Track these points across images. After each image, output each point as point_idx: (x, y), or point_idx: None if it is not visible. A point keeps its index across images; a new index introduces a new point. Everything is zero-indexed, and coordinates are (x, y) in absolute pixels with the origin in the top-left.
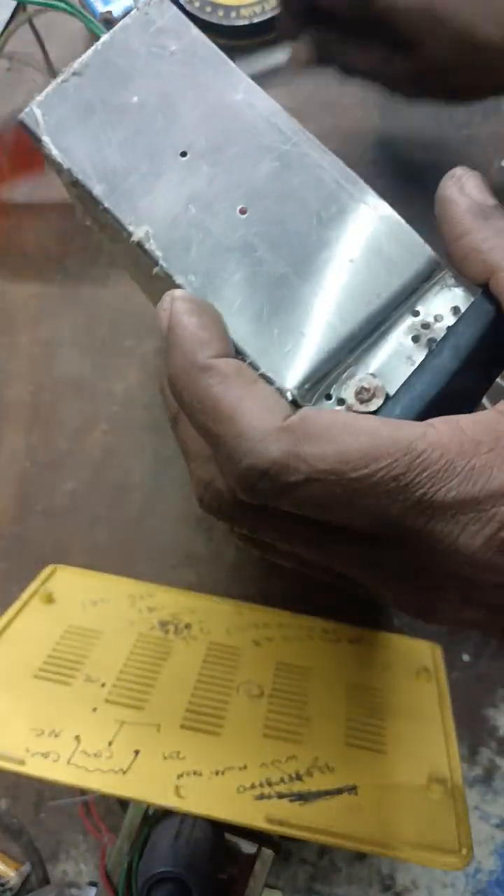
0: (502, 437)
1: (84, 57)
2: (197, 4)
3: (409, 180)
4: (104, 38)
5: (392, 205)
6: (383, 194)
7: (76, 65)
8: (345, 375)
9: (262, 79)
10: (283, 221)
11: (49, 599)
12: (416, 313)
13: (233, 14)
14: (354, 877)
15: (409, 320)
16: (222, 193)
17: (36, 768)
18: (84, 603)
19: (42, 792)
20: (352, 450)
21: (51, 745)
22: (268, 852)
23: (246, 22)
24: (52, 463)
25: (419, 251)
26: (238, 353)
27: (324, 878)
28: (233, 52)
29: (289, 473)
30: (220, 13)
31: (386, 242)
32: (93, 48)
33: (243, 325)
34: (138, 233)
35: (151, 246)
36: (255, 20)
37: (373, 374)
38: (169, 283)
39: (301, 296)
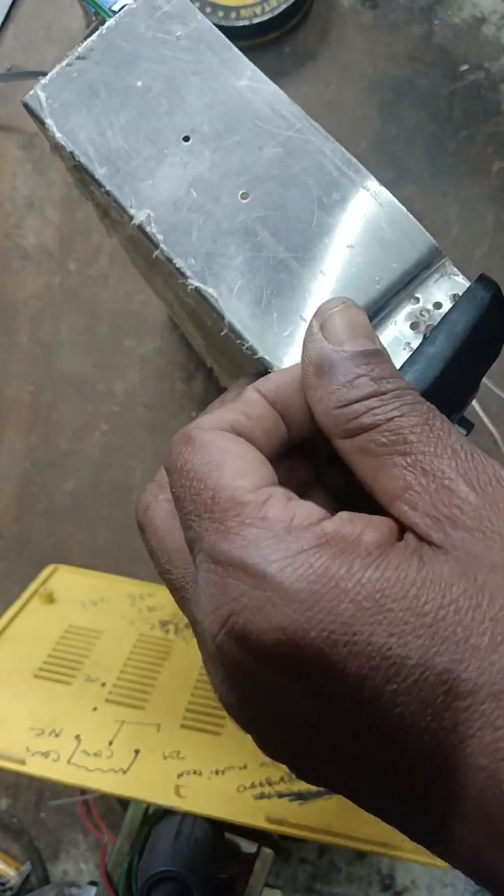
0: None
1: (89, 41)
2: (197, 5)
3: (408, 180)
4: (109, 21)
5: None
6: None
7: (81, 49)
8: None
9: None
10: (285, 207)
11: (49, 599)
12: (416, 300)
13: (232, 15)
14: (354, 876)
15: (409, 307)
16: (224, 178)
17: (36, 768)
18: (84, 602)
19: (42, 791)
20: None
21: (51, 744)
22: (268, 851)
23: (246, 23)
24: (52, 463)
25: (420, 238)
26: (237, 337)
27: (324, 878)
28: None
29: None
30: (220, 14)
31: (387, 229)
32: (98, 32)
33: (243, 308)
34: (139, 216)
35: (152, 229)
36: (255, 21)
37: None
38: (170, 266)
39: (301, 281)
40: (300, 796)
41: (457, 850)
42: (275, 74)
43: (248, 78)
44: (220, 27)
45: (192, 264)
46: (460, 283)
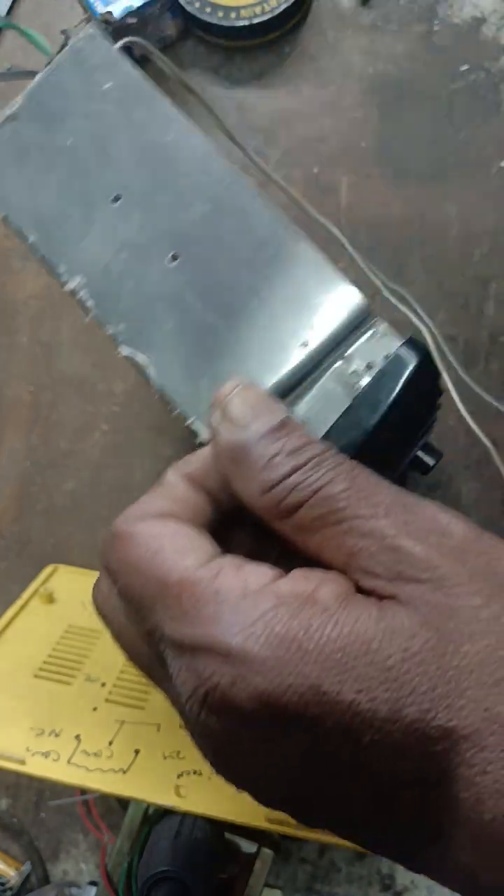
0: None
1: (18, 99)
2: (197, 5)
3: (408, 180)
4: (37, 78)
5: (390, 206)
6: (383, 194)
7: (10, 109)
8: None
9: (266, 76)
10: (213, 269)
11: (49, 599)
12: (347, 361)
13: (232, 15)
14: (354, 876)
15: (340, 368)
16: (153, 240)
17: (36, 768)
18: (84, 602)
19: (42, 791)
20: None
21: (51, 744)
22: (268, 852)
23: (246, 23)
24: (52, 463)
25: (350, 300)
26: (168, 402)
27: (324, 878)
28: (233, 52)
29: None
30: (220, 14)
31: (315, 289)
32: (26, 91)
33: (173, 374)
34: (71, 283)
35: (84, 296)
36: (255, 21)
37: (302, 422)
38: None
39: (230, 345)
40: None
41: (450, 877)
42: (275, 74)
43: (176, 131)
44: (220, 27)
45: (122, 330)
46: (391, 343)
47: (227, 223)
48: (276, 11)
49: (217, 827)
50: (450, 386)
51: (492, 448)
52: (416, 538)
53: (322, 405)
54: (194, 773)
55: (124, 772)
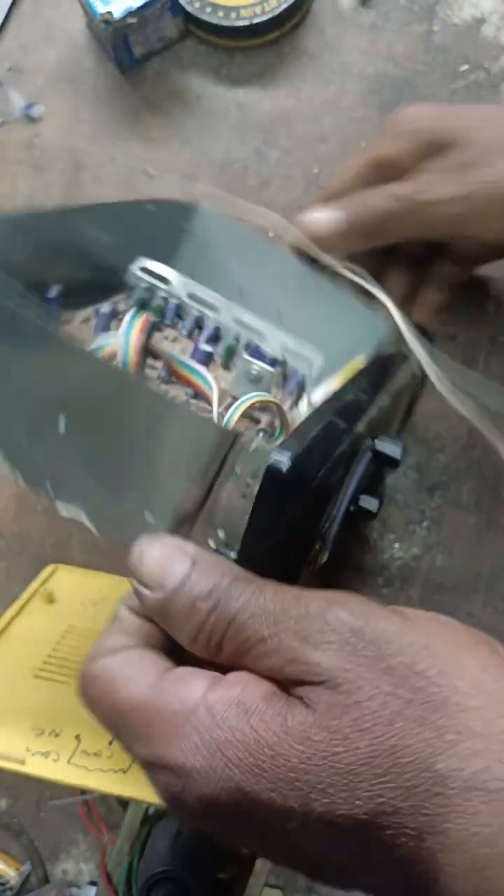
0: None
1: None
2: (197, 5)
3: None
4: None
5: None
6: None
7: None
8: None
9: (266, 76)
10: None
11: (49, 599)
12: (235, 475)
13: (233, 15)
14: None
15: (232, 484)
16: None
17: (36, 768)
18: (84, 602)
19: (42, 791)
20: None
21: (51, 744)
22: None
23: (246, 23)
24: None
25: (207, 431)
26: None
27: None
28: (233, 52)
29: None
30: (220, 14)
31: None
32: None
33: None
34: None
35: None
36: (255, 21)
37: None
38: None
39: (135, 482)
40: None
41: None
42: (275, 74)
43: None
44: (221, 27)
45: (49, 489)
46: (262, 461)
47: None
48: (277, 11)
49: None
50: (432, 375)
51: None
52: (312, 645)
53: (229, 515)
54: None
55: (124, 772)
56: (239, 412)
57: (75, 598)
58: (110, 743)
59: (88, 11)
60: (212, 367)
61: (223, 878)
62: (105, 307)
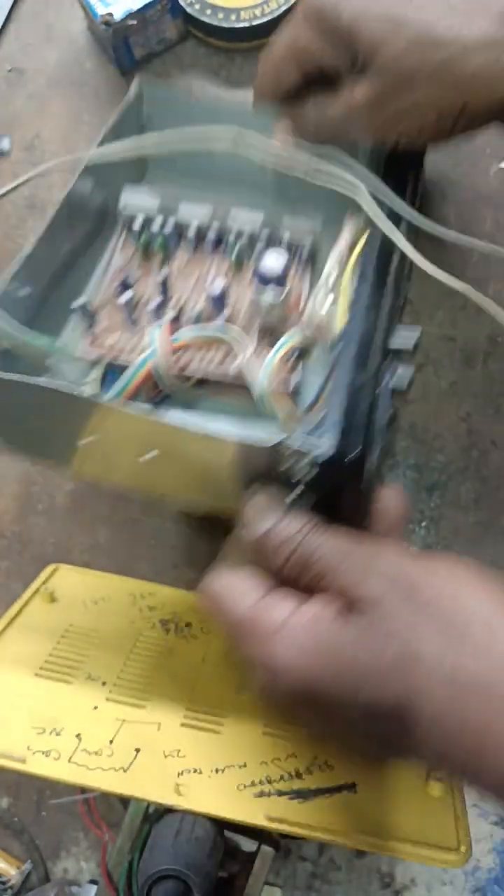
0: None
1: None
2: (197, 7)
3: None
4: None
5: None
6: (383, 195)
7: None
8: None
9: None
10: None
11: (50, 598)
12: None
13: (232, 17)
14: (354, 874)
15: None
16: None
17: (37, 766)
18: (85, 602)
19: (43, 790)
20: None
21: (52, 743)
22: (268, 850)
23: (245, 24)
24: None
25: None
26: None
27: (323, 876)
28: (233, 54)
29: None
30: (220, 15)
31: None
32: None
33: None
34: None
35: None
36: (255, 23)
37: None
38: None
39: None
40: (300, 795)
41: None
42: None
43: None
44: (221, 28)
45: None
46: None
47: None
48: (276, 13)
49: (217, 825)
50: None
51: None
52: (364, 579)
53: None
54: (194, 771)
55: (125, 770)
56: (273, 369)
57: (76, 597)
58: (111, 742)
59: (89, 13)
60: (232, 286)
61: (223, 876)
62: (124, 297)
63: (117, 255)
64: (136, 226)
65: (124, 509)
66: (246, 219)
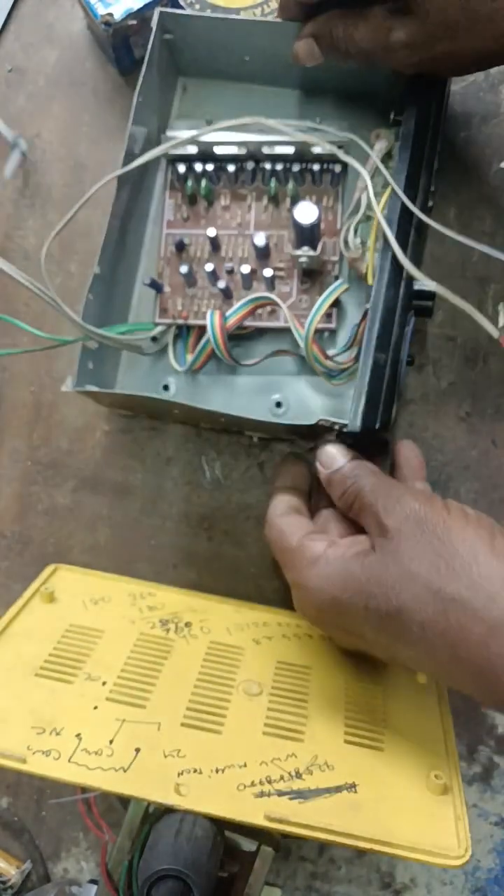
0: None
1: None
2: (197, 7)
3: None
4: None
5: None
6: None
7: None
8: None
9: None
10: None
11: (50, 598)
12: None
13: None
14: (354, 874)
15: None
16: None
17: (37, 766)
18: (85, 602)
19: (43, 790)
20: None
21: (52, 743)
22: (268, 850)
23: None
24: (53, 463)
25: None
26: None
27: (323, 876)
28: None
29: None
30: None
31: None
32: None
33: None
34: None
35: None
36: None
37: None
38: None
39: None
40: (300, 795)
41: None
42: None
43: None
44: None
45: None
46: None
47: None
48: (276, 14)
49: (217, 825)
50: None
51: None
52: (392, 513)
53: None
54: (195, 771)
55: (125, 770)
56: (313, 328)
57: (76, 597)
58: (111, 741)
59: (89, 13)
60: (272, 230)
61: (223, 876)
62: (184, 268)
63: (167, 208)
64: (181, 170)
65: (124, 509)
66: (279, 149)
